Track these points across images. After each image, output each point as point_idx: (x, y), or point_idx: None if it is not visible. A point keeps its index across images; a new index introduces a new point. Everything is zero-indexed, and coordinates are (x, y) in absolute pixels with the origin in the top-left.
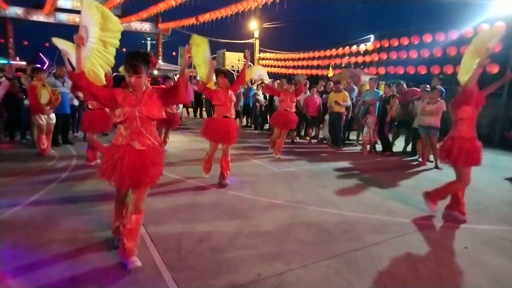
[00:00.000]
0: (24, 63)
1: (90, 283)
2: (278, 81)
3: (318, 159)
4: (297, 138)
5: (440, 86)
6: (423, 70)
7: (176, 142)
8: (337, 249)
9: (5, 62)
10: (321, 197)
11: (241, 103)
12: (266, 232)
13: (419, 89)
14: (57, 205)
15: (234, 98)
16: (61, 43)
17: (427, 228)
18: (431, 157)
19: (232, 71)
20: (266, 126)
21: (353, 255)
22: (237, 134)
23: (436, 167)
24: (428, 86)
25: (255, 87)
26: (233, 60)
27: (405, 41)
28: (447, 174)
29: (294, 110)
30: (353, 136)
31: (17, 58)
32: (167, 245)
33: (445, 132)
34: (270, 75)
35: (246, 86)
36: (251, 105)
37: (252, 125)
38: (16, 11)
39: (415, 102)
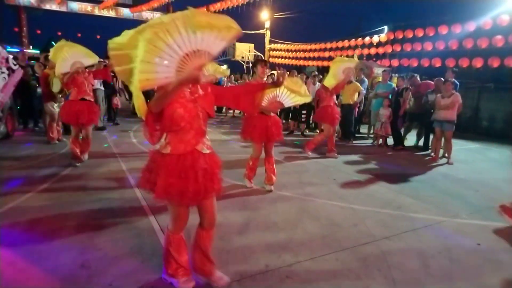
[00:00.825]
0: (37, 51)
1: (99, 270)
2: (288, 72)
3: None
4: (307, 131)
5: (453, 79)
6: (437, 63)
7: None
8: (346, 242)
9: (18, 50)
10: (330, 190)
11: None
12: (274, 223)
13: (432, 82)
14: (69, 192)
15: None
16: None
17: (439, 223)
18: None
19: (242, 62)
20: None
21: (362, 249)
22: (281, 130)
23: (448, 162)
24: (442, 79)
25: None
26: (243, 50)
27: (420, 32)
28: (459, 169)
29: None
30: (364, 129)
31: (30, 47)
32: None
33: (465, 127)
34: (281, 65)
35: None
36: None
37: None
38: (29, 0)
39: (429, 95)
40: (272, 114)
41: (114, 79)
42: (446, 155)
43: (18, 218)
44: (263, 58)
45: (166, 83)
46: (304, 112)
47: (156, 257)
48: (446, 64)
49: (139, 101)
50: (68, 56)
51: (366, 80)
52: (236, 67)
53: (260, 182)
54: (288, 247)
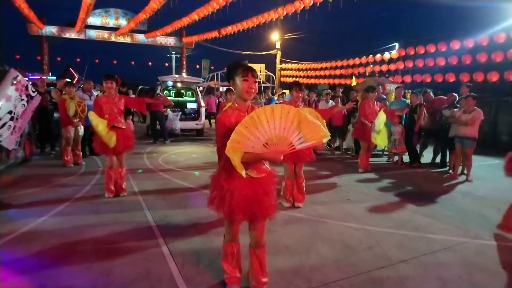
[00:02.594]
0: (54, 78)
1: None
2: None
3: (341, 171)
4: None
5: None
6: (452, 78)
7: (199, 152)
8: (361, 266)
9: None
10: (344, 210)
11: None
12: (286, 247)
13: (446, 97)
14: (82, 216)
15: None
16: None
17: (459, 245)
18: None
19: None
20: None
21: (378, 274)
22: (312, 150)
23: (467, 179)
24: (455, 94)
25: (276, 98)
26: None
27: (431, 48)
28: (478, 186)
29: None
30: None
31: (50, 73)
32: (186, 259)
33: (483, 142)
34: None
35: (267, 97)
36: None
37: None
38: (51, 29)
39: (443, 111)
40: None
41: None
42: (465, 172)
43: (32, 242)
44: (298, 81)
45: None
46: None
47: (164, 284)
48: (460, 78)
49: (235, 161)
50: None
51: (385, 97)
52: None
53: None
54: (300, 272)
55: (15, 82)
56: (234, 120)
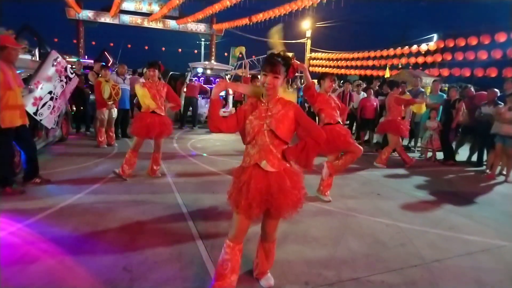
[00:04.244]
0: (91, 61)
1: (140, 274)
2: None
3: (371, 165)
4: None
5: None
6: (493, 73)
7: (226, 140)
8: (392, 263)
9: (76, 59)
10: (374, 205)
11: None
12: (314, 238)
13: (487, 93)
14: (115, 195)
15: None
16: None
17: (498, 248)
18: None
19: None
20: None
21: (410, 272)
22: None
23: (506, 180)
24: (496, 90)
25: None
26: None
27: (473, 41)
28: None
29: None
30: (405, 141)
31: (86, 57)
32: (214, 243)
33: None
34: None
35: (296, 87)
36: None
37: None
38: (87, 14)
39: (483, 107)
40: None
41: None
42: (505, 172)
43: (68, 217)
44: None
45: None
46: (347, 122)
47: (194, 265)
48: (504, 74)
49: None
50: None
51: (423, 90)
52: None
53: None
54: (330, 264)
55: (55, 63)
56: (252, 110)
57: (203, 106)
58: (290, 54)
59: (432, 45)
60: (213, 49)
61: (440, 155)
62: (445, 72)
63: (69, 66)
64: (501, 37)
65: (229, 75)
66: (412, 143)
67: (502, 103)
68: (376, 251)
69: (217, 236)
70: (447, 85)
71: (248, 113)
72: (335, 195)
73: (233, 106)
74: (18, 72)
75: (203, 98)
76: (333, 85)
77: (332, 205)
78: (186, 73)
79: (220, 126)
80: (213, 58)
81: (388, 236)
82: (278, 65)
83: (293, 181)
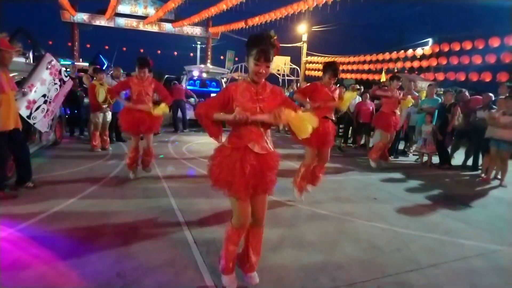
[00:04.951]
0: (86, 64)
1: (134, 280)
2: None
3: (367, 169)
4: (344, 145)
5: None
6: (487, 77)
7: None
8: (388, 268)
9: (70, 62)
10: (370, 210)
11: None
12: (310, 243)
13: (481, 97)
14: (108, 199)
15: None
16: None
17: (493, 252)
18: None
19: (277, 75)
20: None
21: (406, 277)
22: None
23: (501, 184)
24: (491, 94)
25: None
26: (279, 64)
27: (468, 45)
28: None
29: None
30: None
31: (80, 59)
32: (210, 248)
33: None
34: (317, 78)
35: (292, 90)
36: None
37: None
38: (82, 17)
39: (478, 112)
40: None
41: None
42: (499, 176)
43: (62, 222)
44: (336, 69)
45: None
46: (341, 126)
47: (189, 271)
48: (498, 78)
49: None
50: None
51: (417, 94)
52: (271, 80)
53: (295, 197)
54: (325, 270)
55: (49, 66)
56: (240, 91)
57: (190, 109)
58: (287, 58)
59: (427, 50)
60: (209, 52)
61: (436, 159)
62: (440, 76)
63: (63, 69)
64: (495, 42)
65: (225, 79)
66: (405, 146)
67: (496, 107)
68: (372, 256)
69: (212, 241)
70: (442, 89)
71: (236, 94)
72: (332, 199)
73: None
74: (11, 75)
75: (199, 101)
76: (333, 81)
77: (328, 209)
78: (181, 76)
79: (219, 129)
80: (209, 61)
81: (384, 241)
82: (270, 52)
83: (274, 162)
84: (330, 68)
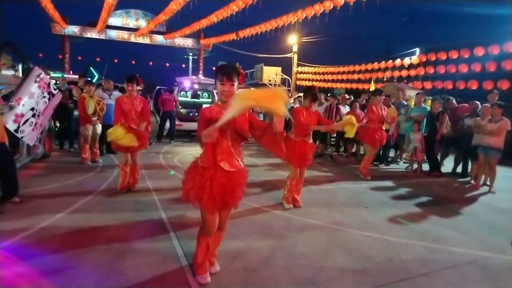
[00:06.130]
0: (76, 76)
1: None
2: None
3: (358, 178)
4: (336, 154)
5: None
6: (474, 85)
7: None
8: (380, 278)
9: (60, 75)
10: (362, 219)
11: None
12: (302, 254)
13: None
14: (98, 214)
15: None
16: None
17: (484, 259)
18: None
19: (269, 85)
20: None
21: (397, 286)
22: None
23: (490, 191)
24: (477, 102)
25: (292, 101)
26: (271, 74)
27: (454, 54)
28: (502, 198)
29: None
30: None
31: (71, 72)
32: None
33: (508, 153)
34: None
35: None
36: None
37: None
38: (73, 29)
39: (465, 119)
40: (310, 141)
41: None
42: (488, 183)
43: (49, 238)
44: (315, 94)
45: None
46: (333, 135)
47: (178, 286)
48: (484, 86)
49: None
50: None
51: (405, 103)
52: None
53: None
54: (317, 281)
55: (38, 79)
56: (215, 114)
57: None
58: (278, 69)
59: (415, 59)
60: (201, 64)
61: (426, 167)
62: (428, 85)
63: (52, 82)
64: (480, 51)
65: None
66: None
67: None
68: (363, 266)
69: None
70: (430, 97)
71: (211, 115)
72: (323, 209)
73: None
74: None
75: (190, 112)
76: (313, 105)
77: (319, 219)
78: (173, 88)
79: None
80: (201, 72)
81: (375, 250)
82: (233, 74)
83: (243, 178)
84: (309, 93)
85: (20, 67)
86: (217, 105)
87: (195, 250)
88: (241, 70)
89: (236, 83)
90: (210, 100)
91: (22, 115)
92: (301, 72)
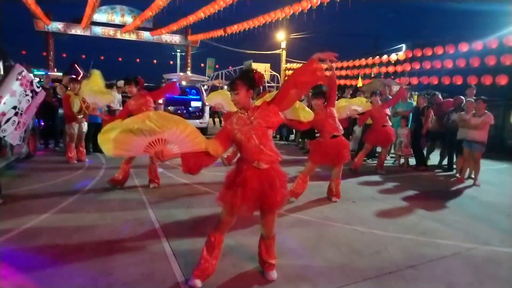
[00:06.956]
0: (61, 73)
1: None
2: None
3: (346, 173)
4: None
5: (476, 97)
6: (459, 81)
7: None
8: (368, 271)
9: (44, 73)
10: (350, 213)
11: None
12: (291, 250)
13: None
14: (85, 213)
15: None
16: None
17: (468, 251)
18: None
19: None
20: (291, 137)
21: (385, 279)
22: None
23: (474, 184)
24: (461, 97)
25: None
26: (260, 70)
27: (439, 50)
28: (487, 191)
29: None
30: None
31: (55, 69)
32: (188, 259)
33: (492, 146)
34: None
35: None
36: None
37: (277, 136)
38: (57, 26)
39: (450, 114)
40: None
41: None
42: (473, 176)
43: (33, 239)
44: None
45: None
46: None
47: (167, 285)
48: (468, 81)
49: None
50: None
51: (391, 98)
52: None
53: None
54: (306, 276)
55: (20, 77)
56: (235, 121)
57: None
58: (266, 65)
59: (401, 55)
60: (189, 60)
61: (412, 161)
62: (415, 80)
63: (35, 80)
64: (464, 47)
65: (205, 86)
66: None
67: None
68: (352, 260)
69: (191, 253)
70: (416, 93)
71: (232, 127)
72: (313, 204)
73: (210, 117)
74: None
75: (177, 109)
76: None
77: (308, 214)
78: (161, 85)
79: (208, 160)
80: (189, 69)
81: (363, 244)
82: (235, 83)
83: (281, 181)
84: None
85: (1, 65)
86: (238, 112)
87: (205, 245)
88: (255, 73)
89: (241, 91)
90: (198, 97)
91: (4, 114)
92: (290, 69)
